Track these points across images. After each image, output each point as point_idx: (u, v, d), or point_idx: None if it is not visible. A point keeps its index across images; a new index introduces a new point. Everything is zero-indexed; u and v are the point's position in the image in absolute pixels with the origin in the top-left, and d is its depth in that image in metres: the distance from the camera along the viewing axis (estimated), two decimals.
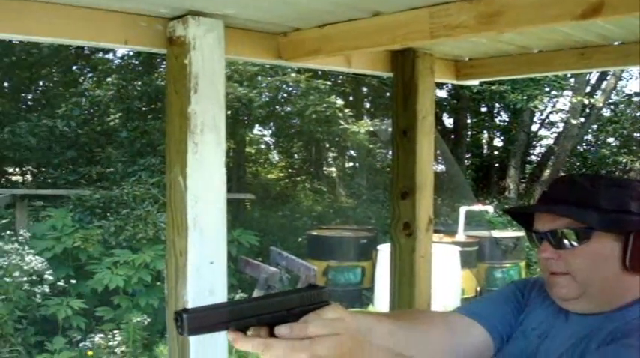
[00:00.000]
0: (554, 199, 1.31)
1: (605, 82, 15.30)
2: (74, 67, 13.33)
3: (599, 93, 15.37)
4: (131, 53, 12.27)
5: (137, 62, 12.54)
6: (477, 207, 10.19)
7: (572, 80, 13.50)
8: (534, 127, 17.83)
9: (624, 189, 1.27)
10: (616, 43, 2.36)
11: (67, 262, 6.88)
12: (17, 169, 12.31)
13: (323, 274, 8.44)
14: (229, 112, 10.12)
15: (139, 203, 7.66)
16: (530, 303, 1.41)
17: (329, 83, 11.63)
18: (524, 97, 12.68)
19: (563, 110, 16.07)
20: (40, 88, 13.54)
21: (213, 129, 1.84)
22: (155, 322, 6.38)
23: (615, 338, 1.17)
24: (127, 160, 9.92)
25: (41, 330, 6.16)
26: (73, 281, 6.63)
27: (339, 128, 11.50)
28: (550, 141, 17.65)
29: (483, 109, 17.47)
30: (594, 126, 16.64)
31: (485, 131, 18.11)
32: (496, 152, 17.99)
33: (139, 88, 11.98)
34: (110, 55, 12.89)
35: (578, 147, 16.60)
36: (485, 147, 18.27)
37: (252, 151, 14.52)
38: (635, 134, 16.18)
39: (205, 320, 0.93)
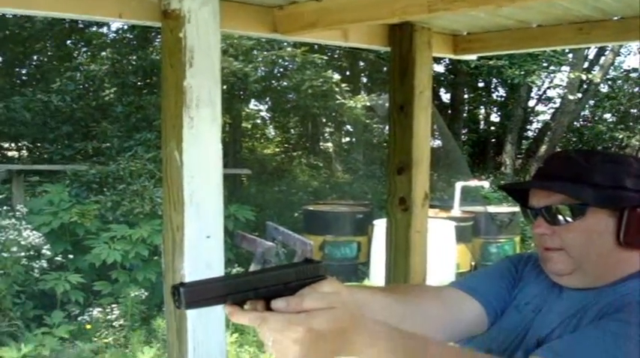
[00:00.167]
0: (550, 175, 1.31)
1: (603, 58, 15.25)
2: (68, 42, 13.20)
3: (597, 68, 15.32)
4: (126, 27, 12.16)
5: (132, 36, 12.43)
6: (473, 183, 10.21)
7: (570, 55, 13.44)
8: (531, 103, 17.81)
9: (619, 165, 1.27)
10: (615, 18, 2.35)
11: (65, 237, 6.89)
12: (13, 145, 12.26)
13: (319, 249, 8.48)
14: (225, 87, 10.06)
15: (136, 178, 7.65)
16: (524, 278, 1.42)
17: (325, 57, 11.55)
18: (522, 72, 12.64)
19: (560, 86, 16.03)
20: (34, 63, 13.42)
21: (209, 103, 1.83)
22: (153, 296, 6.42)
23: (608, 312, 1.18)
24: (123, 135, 9.88)
25: (40, 305, 6.19)
26: (71, 256, 6.64)
27: (336, 103, 11.46)
28: (547, 117, 17.65)
29: (481, 84, 17.41)
30: (591, 102, 16.62)
31: (482, 106, 18.08)
32: (493, 127, 17.98)
33: (133, 62, 11.89)
34: (104, 29, 12.77)
35: (575, 122, 16.59)
36: (482, 122, 18.25)
37: (249, 126, 14.48)
38: (632, 110, 16.17)
39: (202, 293, 0.93)
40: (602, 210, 1.24)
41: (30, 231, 6.36)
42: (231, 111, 11.65)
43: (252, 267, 6.97)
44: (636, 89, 15.78)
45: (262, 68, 11.49)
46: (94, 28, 12.56)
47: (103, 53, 12.40)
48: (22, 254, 6.14)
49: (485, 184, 10.67)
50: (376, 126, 13.61)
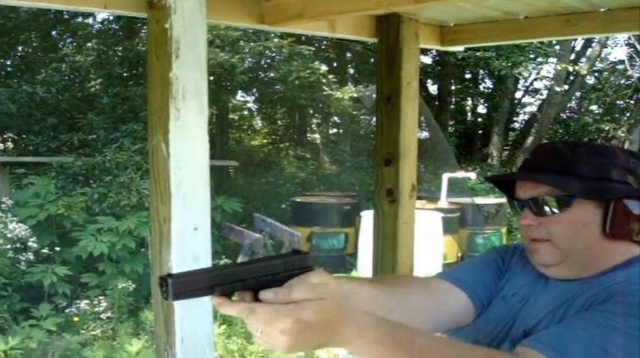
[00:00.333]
0: (536, 167, 1.31)
1: (590, 50, 15.32)
2: (53, 32, 13.06)
3: (583, 60, 15.40)
4: (111, 17, 12.05)
5: (117, 27, 12.33)
6: (460, 174, 10.25)
7: (557, 47, 13.49)
8: (518, 94, 17.89)
9: (605, 157, 1.27)
10: (602, 10, 2.35)
11: (51, 229, 6.85)
12: None
13: (307, 240, 8.49)
14: (211, 78, 10.02)
15: (122, 170, 7.61)
16: (510, 269, 1.43)
17: (312, 49, 11.53)
18: (509, 64, 12.68)
19: (547, 77, 16.10)
20: (19, 54, 13.26)
21: (196, 95, 1.82)
22: (140, 288, 6.40)
23: (594, 303, 1.19)
24: (109, 127, 9.82)
25: (26, 297, 6.16)
26: (58, 249, 6.61)
27: (323, 94, 11.45)
28: (534, 109, 17.72)
29: (468, 76, 17.45)
30: (578, 94, 16.71)
31: (469, 98, 18.13)
32: (480, 119, 18.04)
33: (119, 54, 11.79)
34: (90, 20, 12.64)
35: (562, 114, 16.68)
36: (469, 114, 18.31)
37: (236, 118, 14.43)
38: (618, 102, 16.27)
39: (190, 284, 0.93)
40: (588, 201, 1.24)
41: (16, 224, 6.32)
42: (217, 102, 11.61)
43: (240, 259, 6.97)
44: (622, 81, 15.88)
45: (249, 59, 11.44)
46: (80, 19, 12.43)
47: (89, 44, 12.29)
48: (9, 246, 6.10)
49: (472, 176, 10.72)
50: (363, 118, 13.61)
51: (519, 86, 17.41)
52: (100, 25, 12.75)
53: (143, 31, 11.06)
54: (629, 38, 13.97)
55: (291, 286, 0.94)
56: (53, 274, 6.12)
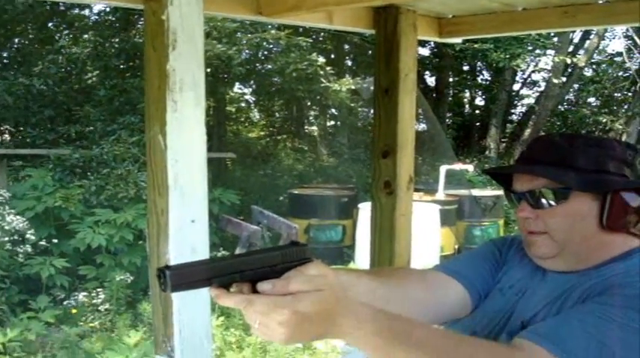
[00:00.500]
0: (533, 159, 1.31)
1: (588, 42, 15.31)
2: (50, 24, 13.00)
3: (581, 52, 15.39)
4: (108, 9, 12.00)
5: (114, 18, 12.27)
6: (458, 166, 10.26)
7: (555, 39, 13.48)
8: (516, 86, 17.87)
9: (602, 149, 1.27)
10: (600, 2, 2.35)
11: (49, 222, 6.84)
12: None
13: (304, 232, 8.50)
14: (209, 70, 9.99)
15: (120, 162, 7.60)
16: (508, 261, 1.43)
17: (310, 40, 11.49)
18: (507, 56, 12.66)
19: (545, 69, 16.10)
20: (15, 46, 13.20)
21: (193, 86, 1.82)
22: (138, 280, 6.41)
23: (591, 295, 1.19)
24: (106, 119, 9.79)
25: (25, 289, 6.16)
26: (55, 241, 6.60)
27: (321, 86, 11.42)
28: (531, 101, 17.74)
29: (465, 68, 17.44)
30: (576, 86, 16.71)
31: (467, 90, 18.12)
32: (477, 111, 18.04)
33: (116, 45, 11.74)
34: (86, 11, 12.59)
35: (559, 106, 16.68)
36: (467, 106, 18.31)
37: (233, 110, 14.40)
38: (615, 94, 16.27)
39: (188, 276, 0.93)
40: (585, 193, 1.25)
41: (13, 216, 6.31)
42: (215, 94, 11.58)
43: (238, 251, 6.97)
44: (620, 73, 15.87)
45: (246, 51, 11.41)
46: (76, 11, 12.38)
47: (85, 36, 12.24)
48: (6, 239, 6.10)
49: (470, 168, 10.73)
50: (361, 110, 13.60)
51: (517, 78, 17.42)
52: (96, 17, 12.71)
53: (140, 22, 11.01)
54: (628, 30, 13.95)
55: (289, 278, 0.94)
56: (51, 266, 6.12)
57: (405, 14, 2.44)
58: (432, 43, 13.63)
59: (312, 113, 15.52)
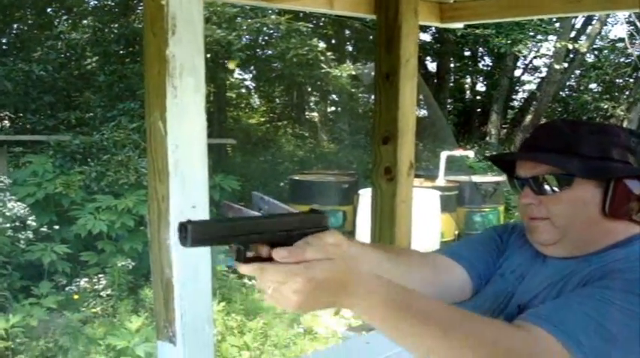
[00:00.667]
0: (537, 146, 1.31)
1: (590, 27, 15.22)
2: (49, 9, 12.92)
3: (583, 38, 15.31)
4: None
5: (113, 3, 12.21)
6: (458, 152, 10.25)
7: (557, 25, 13.41)
8: (517, 72, 17.81)
9: (606, 136, 1.27)
10: None
11: (50, 208, 6.85)
12: None
13: None
14: (208, 55, 9.95)
15: (120, 148, 7.60)
16: (509, 247, 1.43)
17: (311, 25, 11.44)
18: (509, 42, 12.60)
19: (546, 55, 16.02)
20: (14, 32, 13.14)
21: (193, 72, 1.81)
22: (140, 266, 6.43)
23: (591, 280, 1.19)
24: (106, 105, 9.77)
25: (26, 275, 6.18)
26: (57, 227, 6.62)
27: (321, 72, 11.39)
28: (533, 87, 17.68)
29: (467, 54, 17.37)
30: (577, 72, 16.64)
31: (468, 76, 18.06)
32: (478, 97, 17.99)
33: (115, 31, 11.68)
34: None
35: (561, 92, 16.63)
36: (468, 92, 18.26)
37: (233, 96, 14.36)
38: (617, 80, 16.22)
39: (209, 232, 0.95)
40: (588, 180, 1.24)
41: (14, 202, 6.32)
42: (215, 80, 11.54)
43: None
44: (622, 59, 15.81)
45: (246, 36, 11.35)
46: None
47: (85, 21, 12.17)
48: (8, 225, 6.11)
49: (470, 154, 10.72)
50: (362, 96, 13.56)
51: (519, 64, 17.36)
52: (95, 2, 12.62)
53: (139, 7, 10.96)
54: (630, 16, 13.88)
55: (305, 245, 0.96)
56: (53, 252, 6.14)
57: None
58: (433, 28, 13.56)
59: (313, 99, 15.48)
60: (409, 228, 2.59)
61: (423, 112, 13.42)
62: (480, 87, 18.26)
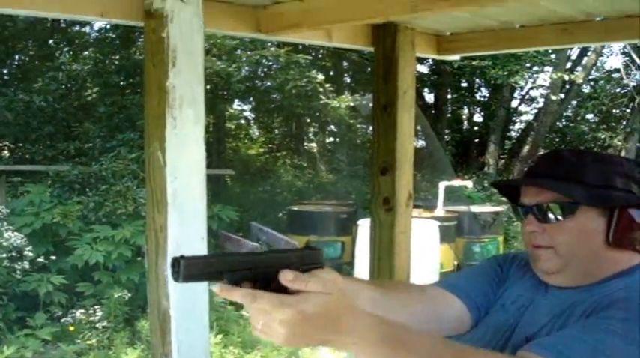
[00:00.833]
0: (541, 173, 1.32)
1: (585, 58, 15.38)
2: (50, 41, 13.07)
3: (579, 69, 15.46)
4: (108, 26, 12.07)
5: (114, 36, 12.33)
6: (457, 183, 10.26)
7: (552, 56, 13.55)
8: (514, 103, 17.94)
9: (610, 165, 1.28)
10: (598, 19, 2.37)
11: (47, 238, 6.82)
12: None
13: None
14: (208, 87, 10.02)
15: (119, 178, 7.60)
16: (510, 278, 1.43)
17: (309, 57, 11.55)
18: (505, 73, 12.72)
19: (543, 86, 16.15)
20: (15, 62, 13.26)
21: (192, 103, 1.82)
22: (136, 297, 6.37)
23: (595, 310, 1.19)
24: (106, 135, 9.80)
25: (22, 306, 6.13)
26: (53, 257, 6.58)
27: (320, 103, 11.46)
28: (530, 117, 17.79)
29: (464, 85, 17.51)
30: (574, 103, 16.76)
31: (465, 106, 18.18)
32: (476, 127, 18.08)
33: (116, 62, 11.80)
34: (87, 29, 12.66)
35: (558, 123, 16.72)
36: (466, 122, 18.35)
37: (232, 126, 14.43)
38: (614, 110, 16.32)
39: (201, 268, 0.94)
40: (592, 209, 1.25)
41: (12, 232, 6.29)
42: (214, 111, 11.61)
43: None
44: (618, 89, 15.94)
45: (246, 68, 11.46)
46: (77, 28, 12.45)
47: (86, 53, 12.30)
48: (4, 255, 6.08)
49: (469, 184, 10.73)
50: (360, 127, 13.62)
51: (515, 95, 17.48)
52: (97, 34, 12.78)
53: (140, 39, 11.07)
54: (625, 47, 14.04)
55: (310, 276, 0.94)
56: (49, 283, 6.09)
57: (403, 32, 2.46)
58: (430, 60, 13.70)
59: (312, 129, 15.55)
60: (408, 259, 2.58)
61: (421, 143, 13.47)
62: (478, 117, 18.38)
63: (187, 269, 0.92)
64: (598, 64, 16.35)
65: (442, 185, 9.40)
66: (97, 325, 5.89)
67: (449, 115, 17.34)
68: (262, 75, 12.25)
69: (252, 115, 15.01)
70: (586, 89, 16.72)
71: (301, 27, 2.07)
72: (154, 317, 1.90)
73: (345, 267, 8.75)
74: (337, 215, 9.04)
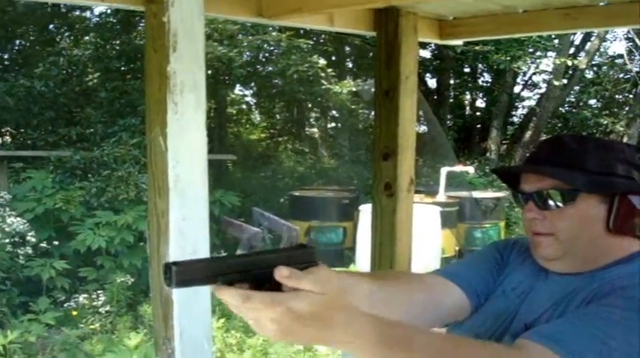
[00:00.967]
0: (542, 160, 1.31)
1: (589, 44, 15.29)
2: (51, 26, 13.02)
3: (582, 54, 15.37)
4: (109, 11, 12.01)
5: (115, 20, 12.28)
6: (458, 168, 10.25)
7: (556, 41, 13.47)
8: (517, 88, 17.87)
9: (611, 151, 1.27)
10: (602, 4, 2.35)
11: (49, 223, 6.85)
12: None
13: (305, 234, 8.50)
14: (209, 72, 9.99)
15: (120, 164, 7.60)
16: (510, 264, 1.42)
17: (311, 42, 11.50)
18: (508, 58, 12.65)
19: (546, 71, 16.08)
20: (16, 48, 13.22)
21: (193, 88, 1.82)
22: (139, 282, 6.41)
23: (596, 297, 1.19)
24: (107, 121, 9.80)
25: (25, 291, 6.16)
26: (56, 243, 6.60)
27: (322, 88, 11.43)
28: (532, 103, 17.72)
29: (466, 70, 17.43)
30: (577, 88, 16.69)
31: (468, 92, 18.11)
32: (478, 113, 18.03)
33: (117, 47, 11.76)
34: (87, 13, 12.60)
35: (560, 108, 16.67)
36: (468, 108, 18.30)
37: (234, 112, 14.41)
38: (616, 96, 16.26)
39: (194, 273, 0.93)
40: (593, 196, 1.24)
41: (14, 218, 6.31)
42: (216, 96, 11.58)
43: (239, 253, 6.97)
44: (621, 75, 15.86)
45: (247, 53, 11.41)
46: (77, 12, 12.39)
47: (86, 38, 12.26)
48: (7, 240, 6.10)
49: (471, 170, 10.72)
50: (362, 112, 13.59)
51: (518, 80, 17.41)
52: (97, 19, 12.72)
53: (141, 24, 11.02)
54: (629, 32, 13.95)
55: (305, 274, 0.93)
56: (52, 268, 6.12)
57: (405, 16, 2.44)
58: (432, 44, 13.63)
59: (313, 115, 15.52)
60: (410, 244, 2.58)
61: (423, 128, 13.44)
62: (480, 103, 18.31)
63: (179, 275, 0.91)
64: (601, 50, 16.26)
65: (444, 170, 9.40)
66: (99, 310, 5.92)
67: (451, 101, 17.28)
68: (264, 60, 12.21)
69: (254, 100, 14.99)
70: (589, 74, 16.64)
71: (303, 11, 2.06)
72: (157, 302, 1.91)
73: (346, 252, 8.78)
74: (339, 200, 9.05)
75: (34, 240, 6.31)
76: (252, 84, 13.58)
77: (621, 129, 15.11)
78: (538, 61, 15.39)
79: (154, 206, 1.86)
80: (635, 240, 1.26)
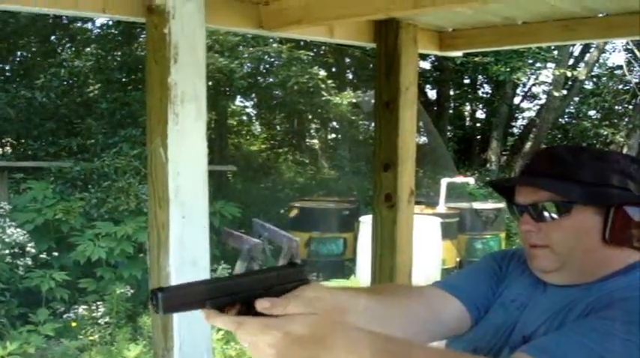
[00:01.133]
0: (536, 172, 1.31)
1: (588, 55, 15.34)
2: (52, 37, 13.06)
3: (582, 65, 15.42)
4: (110, 22, 12.06)
5: (116, 32, 12.33)
6: (459, 179, 10.25)
7: (555, 52, 13.52)
8: (517, 100, 17.91)
9: (606, 162, 1.27)
10: (600, 15, 2.36)
11: (49, 234, 6.83)
12: None
13: (305, 245, 8.48)
14: (210, 83, 10.02)
15: (121, 175, 7.60)
16: (508, 275, 1.42)
17: (311, 54, 11.54)
18: (508, 69, 12.69)
19: (545, 82, 16.13)
20: (17, 59, 13.27)
21: (194, 99, 1.82)
22: (138, 293, 6.38)
23: (594, 309, 1.18)
24: (108, 132, 9.81)
25: (25, 302, 6.14)
26: (56, 254, 6.59)
27: (322, 99, 11.45)
28: (532, 114, 17.75)
29: (466, 81, 17.47)
30: (576, 99, 16.73)
31: (467, 103, 18.15)
32: (478, 124, 18.06)
33: (118, 59, 11.80)
34: (89, 25, 12.65)
35: (560, 119, 16.69)
36: (468, 119, 18.33)
37: (234, 123, 14.43)
38: (616, 107, 16.29)
39: (181, 298, 0.92)
40: (588, 207, 1.24)
41: (14, 229, 6.30)
42: (216, 107, 11.60)
43: (239, 264, 6.96)
44: (621, 86, 15.90)
45: (248, 64, 11.44)
46: (79, 24, 12.43)
47: (88, 49, 12.29)
48: (7, 251, 6.09)
49: (471, 180, 10.72)
50: (362, 123, 13.61)
51: (518, 91, 17.45)
52: (98, 30, 12.75)
53: (142, 36, 11.06)
54: (628, 43, 14.00)
55: (289, 298, 0.93)
56: (51, 279, 6.10)
57: (405, 28, 2.45)
58: (432, 56, 13.67)
59: (314, 126, 15.54)
60: (410, 255, 2.58)
61: (423, 139, 13.46)
62: (480, 114, 18.35)
63: (166, 301, 0.90)
64: (600, 61, 16.30)
65: (444, 181, 9.40)
66: (99, 321, 5.90)
67: (451, 112, 17.32)
68: (264, 71, 12.24)
69: (255, 112, 15.01)
70: (588, 85, 16.68)
71: (303, 23, 2.07)
72: (156, 314, 1.90)
73: (347, 263, 8.76)
74: (339, 211, 9.04)
75: (33, 250, 6.29)
76: (253, 95, 13.60)
77: (621, 139, 15.12)
78: (538, 72, 15.45)
79: (154, 217, 1.86)
80: (632, 251, 1.26)
